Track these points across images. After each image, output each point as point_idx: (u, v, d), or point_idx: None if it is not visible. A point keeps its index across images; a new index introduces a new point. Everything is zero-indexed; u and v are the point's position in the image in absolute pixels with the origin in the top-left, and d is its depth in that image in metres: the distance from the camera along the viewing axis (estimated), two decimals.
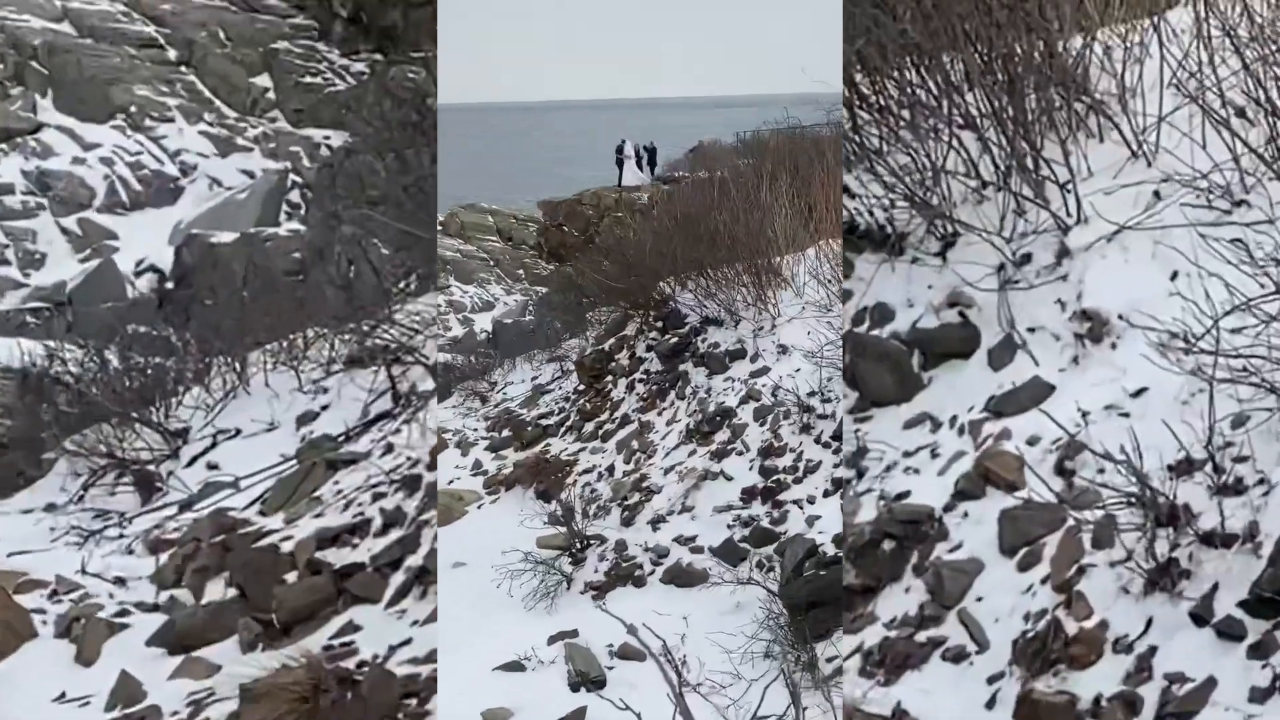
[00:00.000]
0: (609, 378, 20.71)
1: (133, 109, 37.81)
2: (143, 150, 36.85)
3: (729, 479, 15.09)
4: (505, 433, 21.70)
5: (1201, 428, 6.97)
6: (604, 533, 15.25)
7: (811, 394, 15.26)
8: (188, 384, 14.81)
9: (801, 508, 13.78)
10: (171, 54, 40.19)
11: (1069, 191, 8.47)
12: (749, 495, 14.58)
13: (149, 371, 14.87)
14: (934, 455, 8.46)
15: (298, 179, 36.89)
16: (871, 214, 8.88)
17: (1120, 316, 8.12)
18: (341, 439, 11.71)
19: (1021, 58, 8.50)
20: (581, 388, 21.54)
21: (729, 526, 14.14)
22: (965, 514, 8.05)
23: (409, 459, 9.81)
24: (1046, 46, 8.59)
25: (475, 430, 22.55)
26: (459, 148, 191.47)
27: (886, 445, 8.63)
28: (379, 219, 10.68)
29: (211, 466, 12.69)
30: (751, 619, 11.63)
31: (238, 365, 14.49)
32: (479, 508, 18.33)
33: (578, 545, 15.00)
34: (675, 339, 19.29)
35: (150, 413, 14.04)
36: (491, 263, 52.71)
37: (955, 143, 8.73)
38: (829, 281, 16.45)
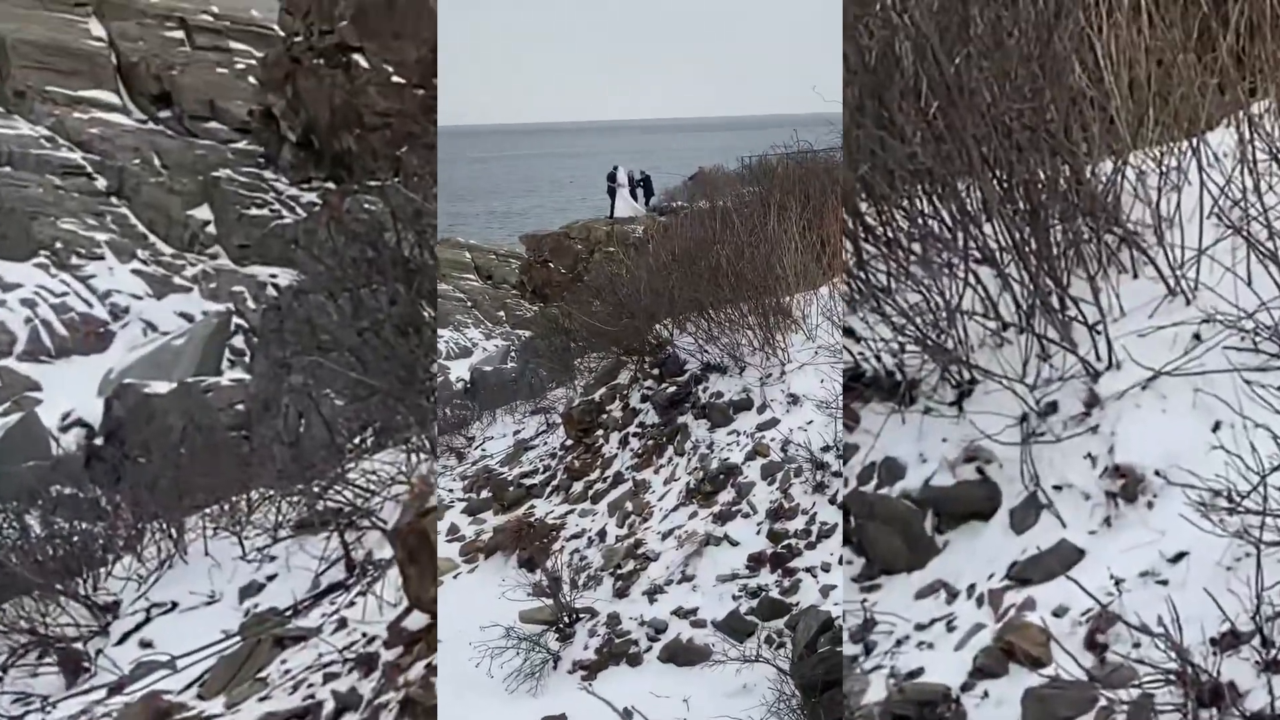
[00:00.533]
0: (600, 432, 19.56)
1: (58, 245, 35.63)
2: (69, 291, 34.65)
3: (734, 544, 14.03)
4: (484, 494, 20.34)
5: (1248, 596, 6.21)
6: (595, 605, 14.35)
7: (826, 449, 14.35)
8: (118, 552, 13.79)
9: (815, 576, 12.88)
10: (101, 183, 37.75)
11: (1099, 333, 7.68)
12: (756, 562, 13.54)
13: (75, 538, 13.69)
14: (950, 628, 7.59)
15: (241, 322, 35.01)
16: (879, 359, 8.15)
17: (1157, 473, 7.27)
18: (290, 613, 10.79)
19: (1045, 184, 7.75)
20: (569, 443, 20.32)
21: (734, 597, 13.17)
22: (985, 694, 7.18)
23: (364, 635, 8.89)
24: (1073, 172, 7.83)
25: (451, 491, 21.08)
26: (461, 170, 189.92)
27: (897, 617, 7.76)
28: (332, 367, 9.93)
29: (145, 644, 11.76)
30: (760, 701, 10.76)
31: (174, 531, 13.53)
32: (455, 578, 17.09)
33: (565, 619, 14.02)
34: (673, 388, 18.20)
35: (77, 585, 12.94)
36: (469, 304, 49.78)
37: (972, 279, 7.98)
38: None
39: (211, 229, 39.46)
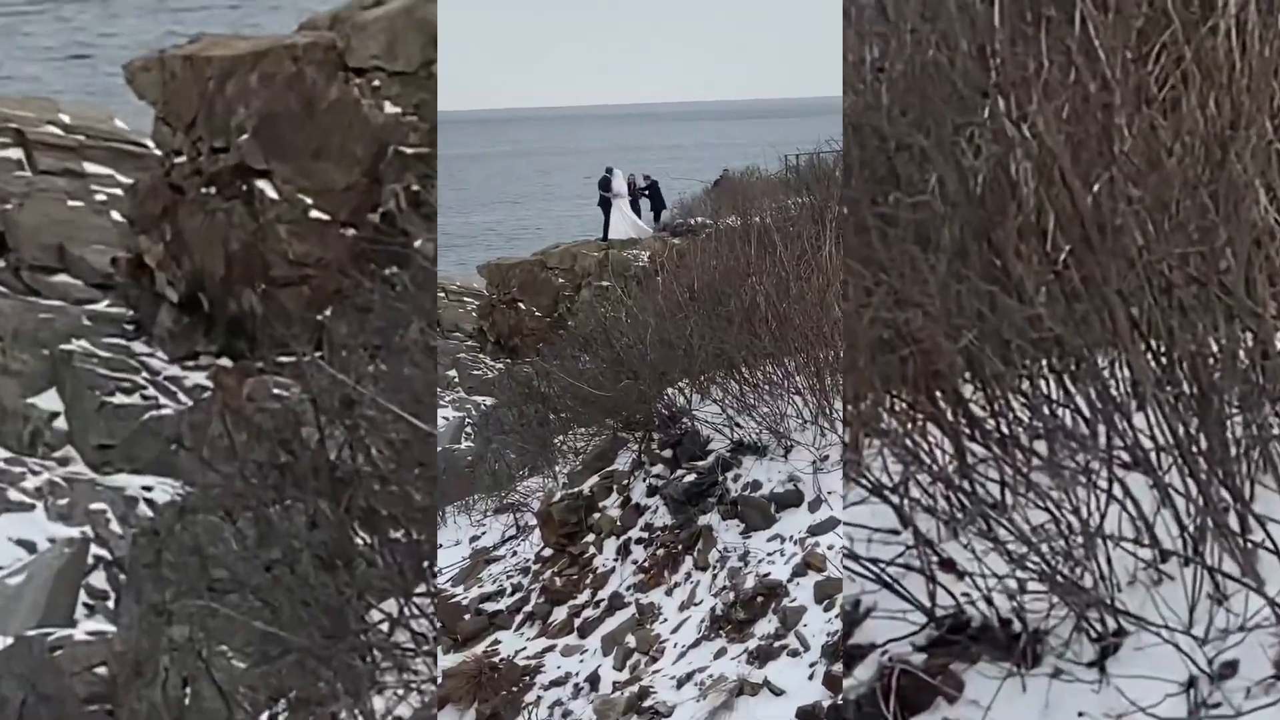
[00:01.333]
0: (590, 537, 15.93)
1: None
2: None
3: (777, 693, 10.78)
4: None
5: None
6: None
7: None
8: None
9: None
10: None
11: None
12: (809, 719, 10.35)
13: None
14: None
15: (103, 553, 26.45)
16: (989, 602, 6.21)
17: None
18: None
19: (1219, 359, 5.93)
20: (548, 553, 16.66)
21: None
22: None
23: None
24: (1257, 342, 5.98)
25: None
26: None
27: None
28: (229, 615, 7.75)
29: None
30: None
31: (441, 513, 11.75)
32: None
33: None
34: (692, 476, 14.48)
35: None
36: None
37: (1118, 491, 6.11)
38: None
39: (61, 423, 29.09)
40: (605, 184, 39.70)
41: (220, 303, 28.60)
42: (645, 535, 14.90)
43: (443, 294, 46.00)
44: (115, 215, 33.21)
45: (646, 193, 40.43)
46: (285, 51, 28.82)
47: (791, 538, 12.39)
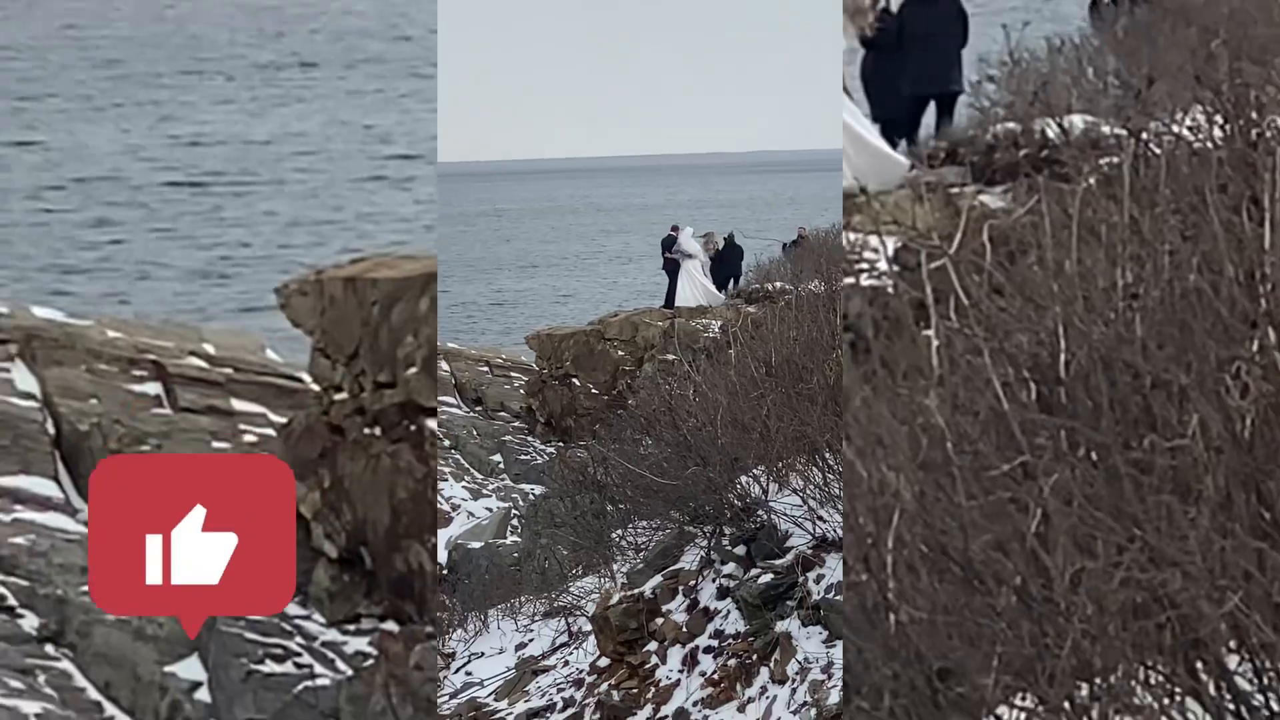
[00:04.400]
0: (652, 645, 14.34)
1: None
2: None
3: None
4: None
5: None
6: None
7: None
8: (455, 626, 21.31)
9: None
10: (29, 622, 21.78)
11: None
12: None
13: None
14: None
15: None
16: None
17: None
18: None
19: None
20: (604, 663, 15.09)
21: None
22: None
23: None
24: None
25: None
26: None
27: None
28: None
29: (468, 673, 18.39)
30: None
31: (483, 616, 20.92)
32: None
33: None
34: (769, 576, 13.09)
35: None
36: (448, 444, 36.07)
37: None
38: None
39: (204, 694, 23.24)
40: (669, 243, 35.70)
41: (384, 558, 23.25)
42: (715, 644, 13.45)
43: (486, 368, 40.66)
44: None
45: (724, 256, 36.07)
46: None
47: None
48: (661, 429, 16.94)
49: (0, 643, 15.54)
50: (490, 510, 31.61)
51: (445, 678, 18.24)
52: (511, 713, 15.14)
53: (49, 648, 15.88)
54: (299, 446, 24.19)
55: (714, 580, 13.67)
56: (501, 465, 34.82)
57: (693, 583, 14.09)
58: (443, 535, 29.10)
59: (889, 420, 6.64)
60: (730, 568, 13.63)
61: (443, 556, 27.35)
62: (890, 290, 10.58)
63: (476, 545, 28.19)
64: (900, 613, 6.10)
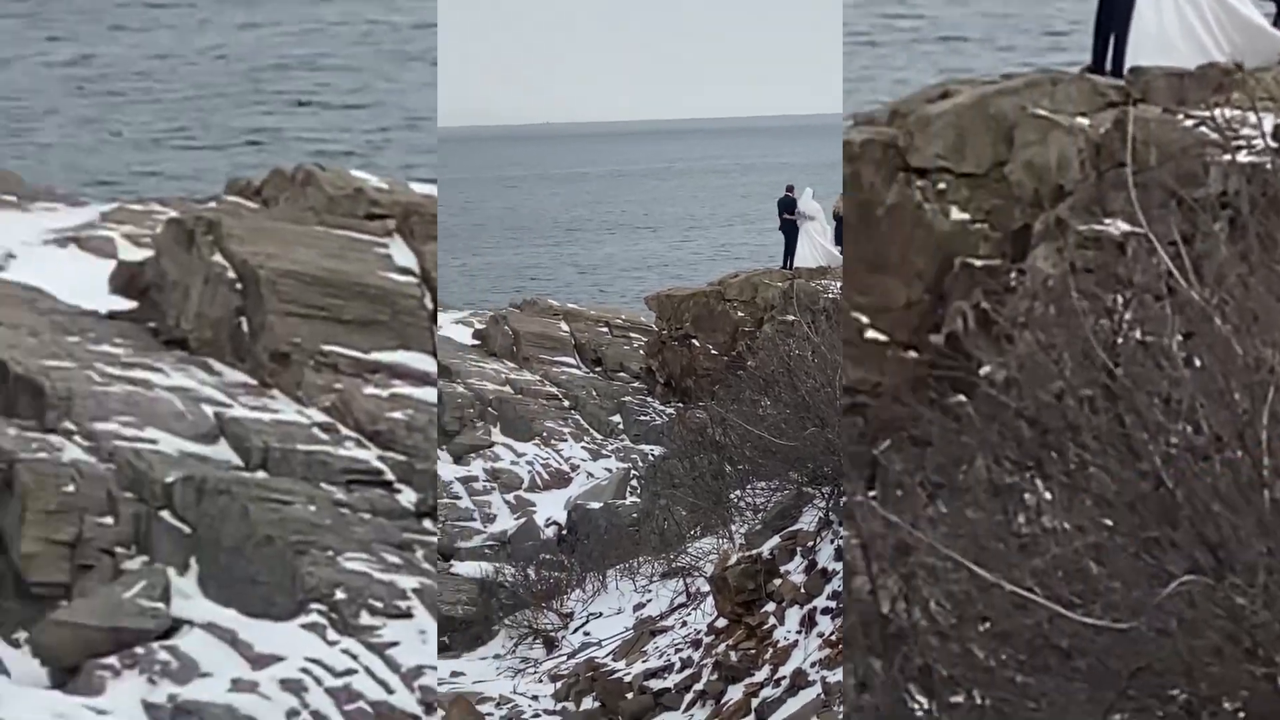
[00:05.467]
0: (770, 606, 14.32)
1: (544, 433, 32.85)
2: (549, 458, 32.78)
3: None
4: (588, 702, 15.41)
5: None
6: None
7: None
8: (573, 586, 21.54)
9: None
10: (407, 497, 26.05)
11: None
12: None
13: (552, 579, 22.12)
14: None
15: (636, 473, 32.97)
16: None
17: None
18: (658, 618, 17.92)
19: None
20: (722, 623, 15.06)
21: None
22: None
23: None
24: None
25: (534, 701, 16.29)
26: (496, 196, 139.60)
27: None
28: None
29: (586, 634, 19.10)
30: None
31: (601, 576, 21.05)
32: None
33: None
34: None
35: (552, 603, 20.86)
36: (567, 404, 35.92)
37: None
38: None
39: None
40: (789, 205, 35.04)
41: (678, 384, 35.61)
42: (833, 605, 13.16)
43: (605, 328, 40.10)
44: (640, 351, 38.85)
45: (841, 217, 34.31)
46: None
47: None
48: (780, 390, 16.79)
49: (379, 518, 15.49)
50: (609, 471, 31.46)
51: (564, 637, 18.68)
52: (629, 672, 15.20)
53: (426, 522, 15.74)
54: (650, 347, 36.04)
55: (832, 541, 13.67)
56: (621, 426, 34.69)
57: (811, 543, 14.07)
58: (562, 495, 30.50)
59: (1265, 297, 6.31)
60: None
61: (561, 516, 28.62)
62: (1268, 167, 10.33)
63: (595, 506, 28.02)
64: None
